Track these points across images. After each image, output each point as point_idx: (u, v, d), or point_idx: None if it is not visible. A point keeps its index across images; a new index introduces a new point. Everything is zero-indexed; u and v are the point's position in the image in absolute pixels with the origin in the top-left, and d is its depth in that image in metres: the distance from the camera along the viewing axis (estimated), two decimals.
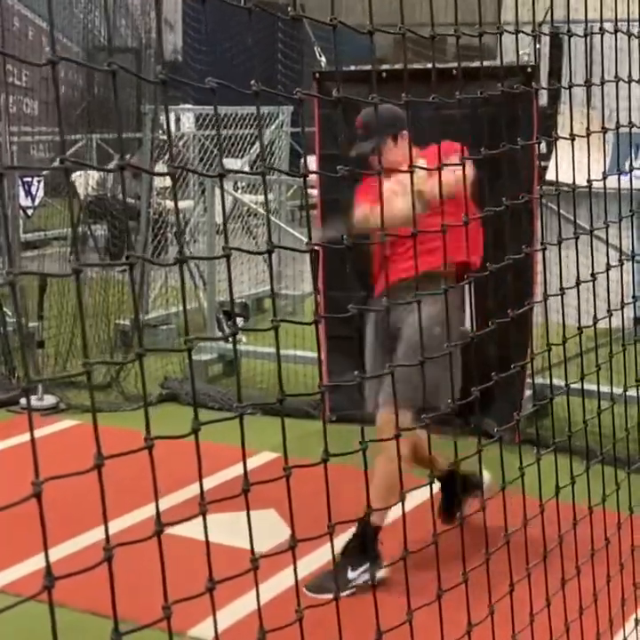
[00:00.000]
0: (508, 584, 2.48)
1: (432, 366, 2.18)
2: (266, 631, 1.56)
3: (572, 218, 2.93)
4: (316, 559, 4.40)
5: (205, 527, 1.51)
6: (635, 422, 3.62)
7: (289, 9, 1.83)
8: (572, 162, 2.78)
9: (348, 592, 4.22)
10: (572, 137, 2.81)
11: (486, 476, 4.71)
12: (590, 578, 2.95)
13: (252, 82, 1.57)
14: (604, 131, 3.07)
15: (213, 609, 1.50)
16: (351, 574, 4.38)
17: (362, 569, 4.36)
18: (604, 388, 3.20)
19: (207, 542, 1.54)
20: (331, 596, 4.11)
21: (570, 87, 2.87)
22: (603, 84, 3.04)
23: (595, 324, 2.92)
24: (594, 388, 3.02)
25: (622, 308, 3.07)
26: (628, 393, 3.30)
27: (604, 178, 2.96)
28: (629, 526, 3.31)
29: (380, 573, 4.21)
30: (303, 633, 1.73)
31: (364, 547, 4.40)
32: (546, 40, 6.28)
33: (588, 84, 2.92)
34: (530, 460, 2.59)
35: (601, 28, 3.04)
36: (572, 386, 2.85)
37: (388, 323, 4.45)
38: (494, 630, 2.36)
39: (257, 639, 1.56)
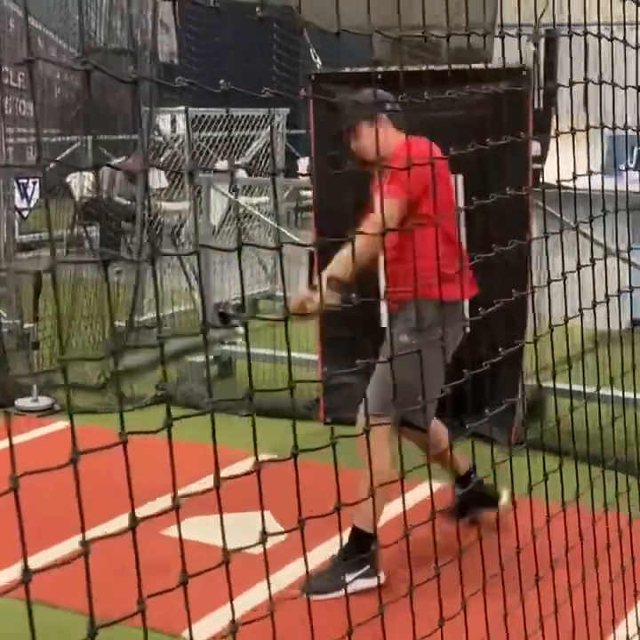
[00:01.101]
0: (480, 581, 2.49)
1: (399, 375, 2.21)
2: (238, 625, 1.56)
3: (567, 220, 2.93)
4: (314, 558, 4.41)
5: (179, 525, 1.52)
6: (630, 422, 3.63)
7: (257, 9, 1.82)
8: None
9: (340, 594, 4.19)
10: (558, 134, 2.82)
11: (504, 495, 4.69)
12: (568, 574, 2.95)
13: (221, 81, 1.57)
14: (585, 129, 3.08)
15: (187, 603, 1.51)
16: (347, 578, 4.35)
17: (356, 574, 4.35)
18: (593, 389, 3.21)
19: (180, 539, 1.54)
20: (322, 596, 4.10)
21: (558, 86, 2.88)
22: (586, 83, 3.06)
23: (571, 320, 2.93)
24: (590, 390, 3.02)
25: (594, 307, 3.06)
26: (614, 393, 3.30)
27: (574, 177, 2.96)
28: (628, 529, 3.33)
29: (375, 581, 4.21)
30: (275, 628, 1.73)
31: (360, 553, 4.37)
32: (540, 43, 6.29)
33: (583, 82, 2.93)
34: (522, 460, 2.60)
35: (604, 32, 3.05)
36: (562, 387, 2.86)
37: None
38: (468, 626, 2.37)
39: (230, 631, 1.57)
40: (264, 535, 1.65)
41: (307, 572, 4.05)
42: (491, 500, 4.68)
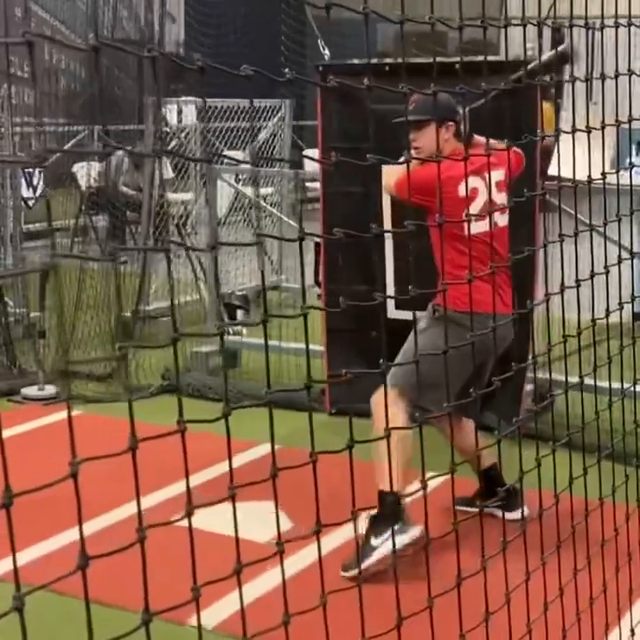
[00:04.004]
0: (523, 573, 2.50)
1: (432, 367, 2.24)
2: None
3: (575, 213, 2.93)
4: (323, 548, 4.41)
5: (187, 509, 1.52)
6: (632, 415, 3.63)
7: None
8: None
9: (374, 559, 4.21)
10: (573, 130, 2.81)
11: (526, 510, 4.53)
12: (599, 568, 2.96)
13: (244, 66, 1.57)
14: (604, 126, 3.07)
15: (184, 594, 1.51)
16: (374, 542, 4.38)
17: (385, 536, 4.33)
18: (605, 384, 3.21)
19: (190, 528, 1.54)
20: (353, 571, 4.10)
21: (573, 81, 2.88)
22: (604, 78, 3.05)
23: (594, 321, 2.93)
24: (599, 383, 3.02)
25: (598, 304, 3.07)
26: (631, 388, 3.31)
27: (603, 176, 2.96)
28: (637, 519, 3.34)
29: (407, 537, 4.20)
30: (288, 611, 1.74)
31: (387, 514, 4.37)
32: (549, 36, 6.27)
33: (589, 78, 2.93)
34: (540, 453, 2.60)
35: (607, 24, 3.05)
36: (575, 381, 2.86)
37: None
38: (511, 617, 2.37)
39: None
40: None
41: (360, 548, 4.09)
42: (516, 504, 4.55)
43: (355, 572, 4.01)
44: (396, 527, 4.31)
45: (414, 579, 2.18)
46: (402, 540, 4.21)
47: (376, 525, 4.45)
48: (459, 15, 2.25)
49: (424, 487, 2.08)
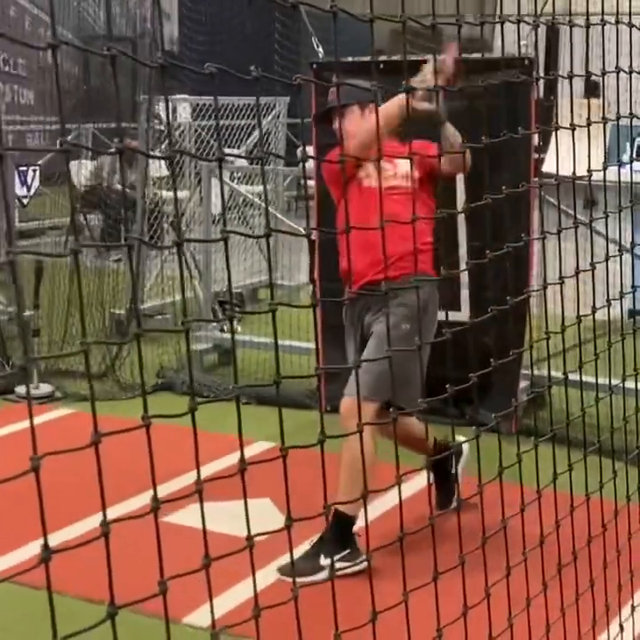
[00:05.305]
0: (504, 569, 2.49)
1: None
2: (260, 609, 1.57)
3: (568, 209, 2.93)
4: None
5: (202, 509, 1.52)
6: (631, 412, 3.63)
7: None
8: (574, 153, 2.78)
9: (319, 577, 4.04)
10: (573, 127, 2.81)
11: (462, 439, 4.58)
12: (586, 564, 2.96)
13: (252, 67, 1.58)
14: (604, 121, 3.07)
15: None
16: (323, 561, 4.31)
17: (336, 557, 4.27)
18: (601, 380, 3.21)
19: (203, 526, 1.54)
20: (301, 579, 4.04)
21: (569, 77, 2.87)
22: (603, 75, 3.05)
23: (592, 313, 2.93)
24: (589, 379, 3.02)
25: (600, 301, 3.06)
26: (624, 384, 3.30)
27: (604, 169, 2.96)
28: (626, 515, 3.33)
29: (357, 567, 3.99)
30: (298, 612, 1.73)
31: (340, 537, 4.39)
32: (542, 32, 6.28)
33: (587, 74, 2.93)
34: (527, 449, 2.59)
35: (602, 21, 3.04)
36: (572, 378, 2.85)
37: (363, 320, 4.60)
38: (491, 613, 2.37)
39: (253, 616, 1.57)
40: (289, 520, 1.66)
41: (306, 561, 4.17)
42: (457, 452, 4.81)
43: (289, 579, 3.88)
44: (345, 552, 4.35)
45: (392, 574, 2.16)
46: (351, 567, 4.01)
47: (327, 544, 4.38)
48: (455, 13, 2.25)
49: (399, 483, 2.06)
